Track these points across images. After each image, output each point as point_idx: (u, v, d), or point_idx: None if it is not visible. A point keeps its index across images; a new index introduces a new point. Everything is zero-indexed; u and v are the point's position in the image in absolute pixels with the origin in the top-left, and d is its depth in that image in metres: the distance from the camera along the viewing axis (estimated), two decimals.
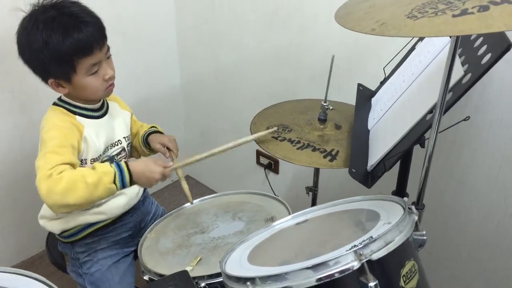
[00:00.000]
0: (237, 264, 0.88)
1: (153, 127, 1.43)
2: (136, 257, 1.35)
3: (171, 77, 2.24)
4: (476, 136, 1.35)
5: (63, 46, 1.07)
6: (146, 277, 1.11)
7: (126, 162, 1.11)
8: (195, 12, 2.02)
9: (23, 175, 1.78)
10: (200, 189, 2.45)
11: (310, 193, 1.51)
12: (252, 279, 0.76)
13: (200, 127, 2.33)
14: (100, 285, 1.25)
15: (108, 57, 1.18)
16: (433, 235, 1.53)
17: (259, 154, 2.06)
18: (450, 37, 0.99)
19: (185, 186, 1.26)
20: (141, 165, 1.13)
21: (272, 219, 1.23)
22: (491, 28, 0.59)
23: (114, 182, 1.07)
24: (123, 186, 1.09)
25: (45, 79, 1.15)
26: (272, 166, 2.02)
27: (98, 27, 1.12)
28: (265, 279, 0.75)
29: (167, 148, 1.34)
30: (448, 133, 1.37)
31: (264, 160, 2.05)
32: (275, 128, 1.28)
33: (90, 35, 1.09)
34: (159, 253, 1.18)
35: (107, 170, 1.07)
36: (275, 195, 1.34)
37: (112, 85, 1.21)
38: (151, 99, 2.16)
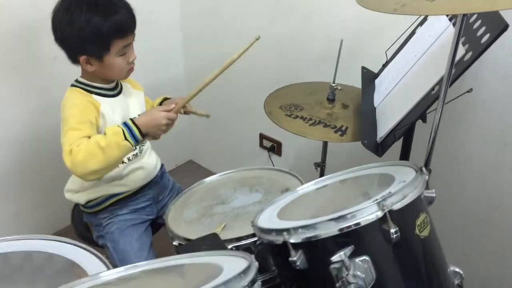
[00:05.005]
0: (268, 221, 0.98)
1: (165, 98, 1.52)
2: (153, 226, 1.47)
3: (175, 66, 2.30)
4: (471, 113, 1.47)
5: (104, 26, 1.17)
6: (175, 242, 1.20)
7: (131, 119, 1.23)
8: (199, 1, 2.10)
9: (47, 151, 1.83)
10: (202, 173, 2.51)
11: (318, 168, 1.62)
12: (287, 230, 0.86)
13: None
14: (119, 241, 1.35)
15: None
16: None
17: (262, 137, 2.15)
18: (453, 19, 1.11)
19: (198, 111, 1.38)
20: (145, 116, 1.26)
21: (287, 190, 1.32)
22: (496, 6, 0.70)
23: (126, 139, 1.18)
24: (136, 140, 1.20)
25: (76, 55, 1.23)
26: (275, 148, 2.12)
27: (131, 13, 1.23)
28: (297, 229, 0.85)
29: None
30: (445, 112, 1.50)
31: (267, 143, 2.14)
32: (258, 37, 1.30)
33: (127, 19, 1.21)
34: (185, 222, 1.27)
35: (116, 131, 1.18)
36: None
37: (132, 68, 1.31)
38: (155, 87, 2.21)
